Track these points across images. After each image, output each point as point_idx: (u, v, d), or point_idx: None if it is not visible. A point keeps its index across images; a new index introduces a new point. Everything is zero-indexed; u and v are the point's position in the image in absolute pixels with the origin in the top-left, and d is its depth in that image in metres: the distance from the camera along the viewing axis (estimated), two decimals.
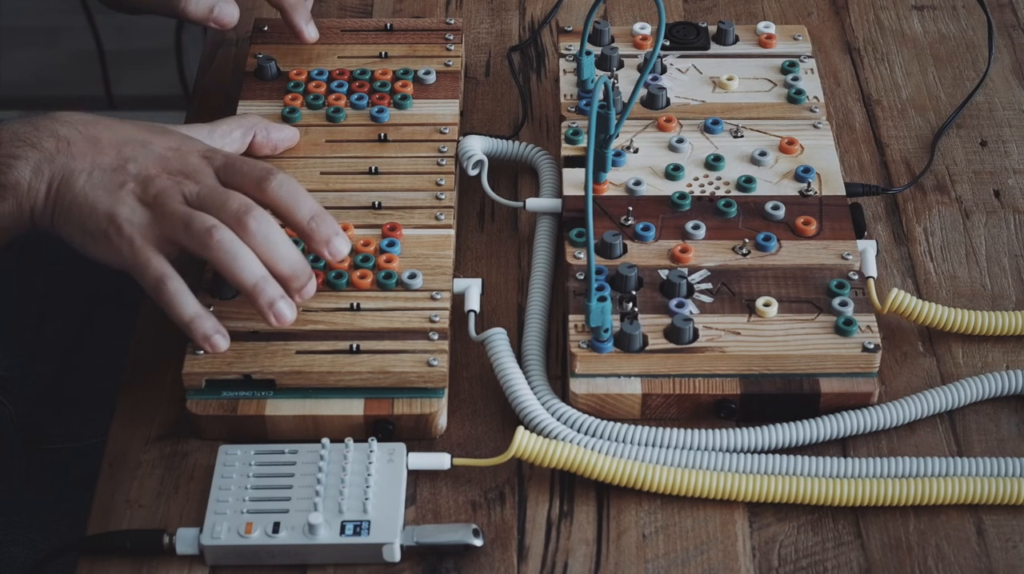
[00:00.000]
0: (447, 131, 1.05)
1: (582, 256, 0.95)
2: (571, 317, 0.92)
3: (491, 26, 1.23)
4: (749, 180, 1.00)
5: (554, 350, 0.95)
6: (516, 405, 0.89)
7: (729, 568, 0.83)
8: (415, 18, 1.20)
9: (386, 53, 1.11)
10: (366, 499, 0.83)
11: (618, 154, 1.02)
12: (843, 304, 0.92)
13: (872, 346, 0.90)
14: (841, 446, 0.89)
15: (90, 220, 0.87)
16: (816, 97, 1.07)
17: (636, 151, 1.03)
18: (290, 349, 0.89)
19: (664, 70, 1.09)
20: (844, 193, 1.00)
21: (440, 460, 0.87)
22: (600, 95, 0.93)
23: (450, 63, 1.10)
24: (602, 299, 0.90)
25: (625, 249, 0.96)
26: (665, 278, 0.94)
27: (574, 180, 1.01)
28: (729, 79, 1.08)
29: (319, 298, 0.92)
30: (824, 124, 1.05)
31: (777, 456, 0.87)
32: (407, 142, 1.04)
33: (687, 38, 1.12)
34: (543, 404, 0.89)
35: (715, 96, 1.07)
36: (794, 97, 1.06)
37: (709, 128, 1.04)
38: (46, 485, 1.12)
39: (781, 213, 0.98)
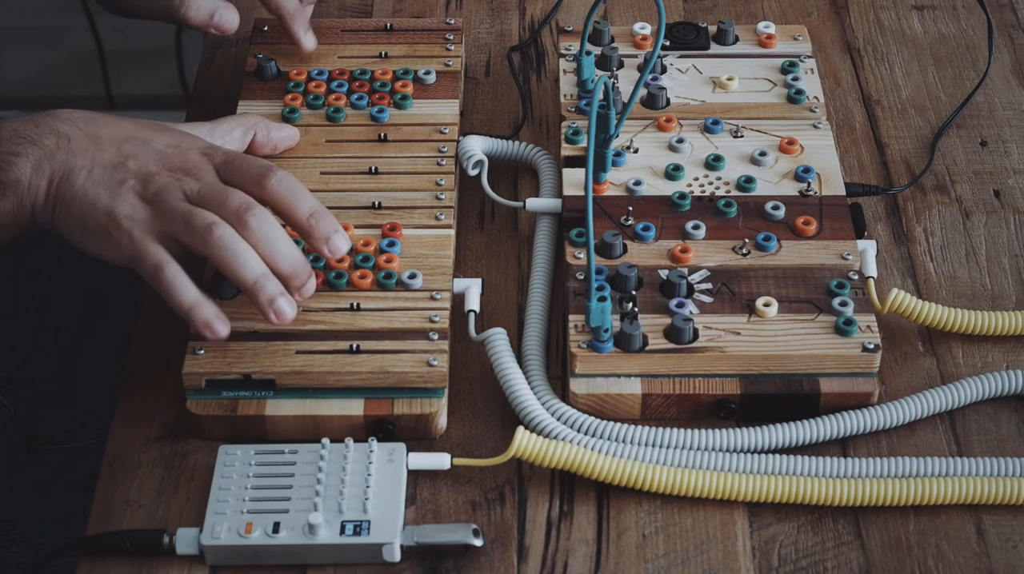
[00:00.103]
0: (447, 131, 1.05)
1: (582, 256, 0.95)
2: (571, 317, 0.92)
3: (491, 26, 1.23)
4: (749, 180, 1.00)
5: (554, 350, 0.95)
6: (516, 405, 0.89)
7: (729, 568, 0.83)
8: (415, 18, 1.20)
9: (386, 53, 1.11)
10: (366, 499, 0.83)
11: (618, 154, 1.02)
12: (843, 304, 0.92)
13: (872, 346, 0.90)
14: (841, 446, 0.89)
15: (90, 216, 0.87)
16: (816, 97, 1.07)
17: (636, 151, 1.03)
18: (290, 349, 0.89)
19: (664, 70, 1.09)
20: (844, 193, 1.00)
21: (440, 460, 0.87)
22: (600, 95, 0.93)
23: (450, 63, 1.10)
24: (602, 299, 0.90)
25: (625, 249, 0.96)
26: (665, 278, 0.94)
27: (574, 180, 1.01)
28: (729, 79, 1.08)
29: (319, 298, 0.92)
30: (824, 124, 1.05)
31: (777, 456, 0.87)
32: (407, 142, 1.04)
33: (687, 38, 1.12)
34: (543, 404, 0.89)
35: (715, 96, 1.07)
36: (794, 97, 1.06)
37: (709, 128, 1.04)
38: (46, 485, 1.12)
39: (781, 213, 0.98)
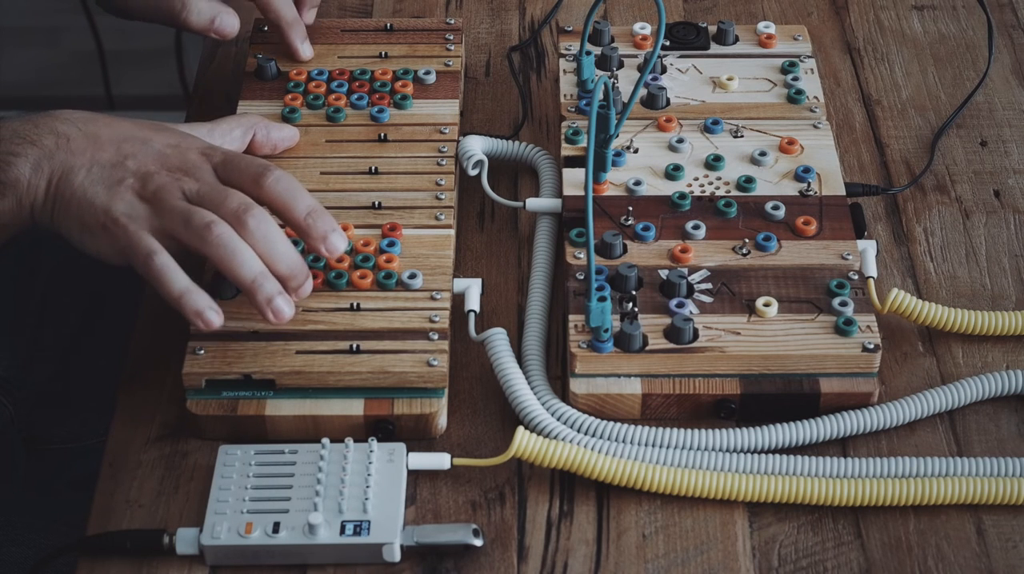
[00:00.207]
0: (447, 131, 1.05)
1: (582, 256, 0.95)
2: (571, 317, 0.92)
3: (491, 26, 1.23)
4: (749, 180, 1.00)
5: (554, 350, 0.95)
6: (516, 405, 0.89)
7: (729, 568, 0.83)
8: (415, 18, 1.20)
9: (386, 53, 1.11)
10: (366, 499, 0.83)
11: (618, 154, 1.02)
12: (843, 304, 0.92)
13: (872, 346, 0.90)
14: (841, 446, 0.89)
15: (89, 214, 0.87)
16: (816, 97, 1.07)
17: (636, 151, 1.03)
18: (290, 349, 0.89)
19: (664, 70, 1.09)
20: (844, 193, 1.00)
21: (440, 460, 0.87)
22: (600, 95, 0.93)
23: (450, 63, 1.10)
24: (602, 299, 0.90)
25: (625, 249, 0.96)
26: (665, 278, 0.93)
27: (574, 180, 1.01)
28: (729, 79, 1.08)
29: (319, 298, 0.92)
30: (824, 124, 1.05)
31: (777, 456, 0.87)
32: (407, 142, 1.04)
33: (687, 38, 1.12)
34: (543, 404, 0.89)
35: (715, 96, 1.07)
36: (794, 97, 1.06)
37: (709, 128, 1.04)
38: (46, 485, 1.12)
39: (781, 213, 0.98)
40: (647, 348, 0.90)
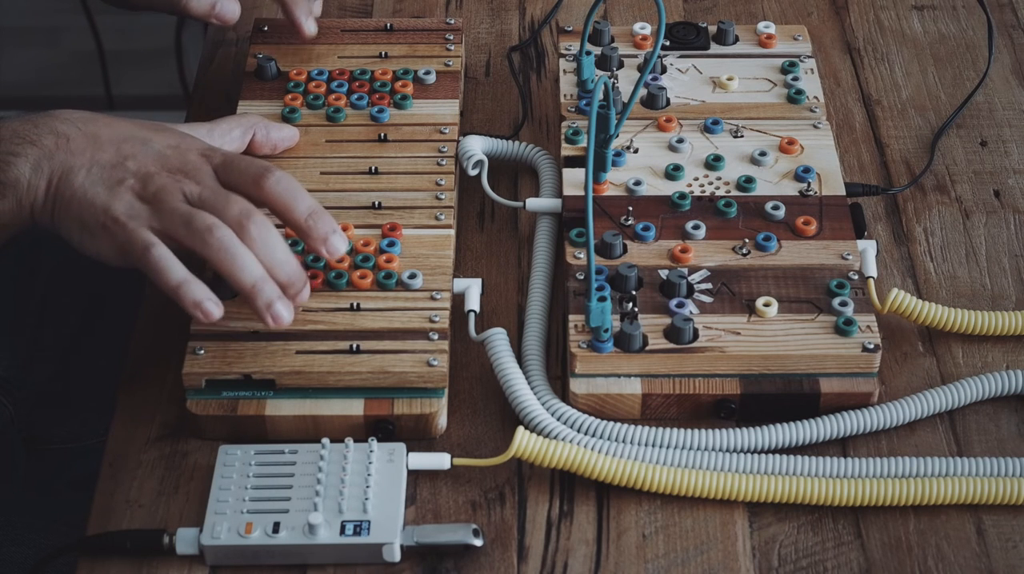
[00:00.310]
0: (447, 131, 1.05)
1: (582, 256, 0.95)
2: (571, 317, 0.92)
3: (491, 26, 1.23)
4: (749, 180, 1.00)
5: (554, 350, 0.95)
6: (516, 405, 0.89)
7: (729, 568, 0.83)
8: (415, 18, 1.20)
9: (386, 53, 1.11)
10: (366, 499, 0.83)
11: (618, 154, 1.02)
12: (843, 304, 0.92)
13: (872, 346, 0.90)
14: (841, 446, 0.89)
15: (89, 215, 0.87)
16: (816, 97, 1.07)
17: (636, 151, 1.03)
18: (290, 349, 0.89)
19: (664, 70, 1.09)
20: (844, 193, 1.00)
21: (440, 460, 0.87)
22: (600, 95, 0.93)
23: (450, 63, 1.10)
24: (602, 299, 0.90)
25: (625, 249, 0.96)
26: (665, 278, 0.94)
27: (574, 180, 1.01)
28: (729, 79, 1.08)
29: (319, 298, 0.92)
30: (824, 124, 1.05)
31: (777, 456, 0.87)
32: (407, 142, 1.04)
33: (687, 38, 1.12)
34: (543, 404, 0.89)
35: (715, 96, 1.07)
36: (794, 97, 1.06)
37: (709, 128, 1.04)
38: (46, 485, 1.12)
39: (781, 213, 0.98)
40: (647, 348, 0.90)
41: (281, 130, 1.02)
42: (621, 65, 1.10)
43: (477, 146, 1.05)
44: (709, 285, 0.94)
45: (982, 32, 1.21)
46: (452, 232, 0.98)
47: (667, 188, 1.00)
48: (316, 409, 0.89)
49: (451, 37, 1.12)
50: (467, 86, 1.15)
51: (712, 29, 1.12)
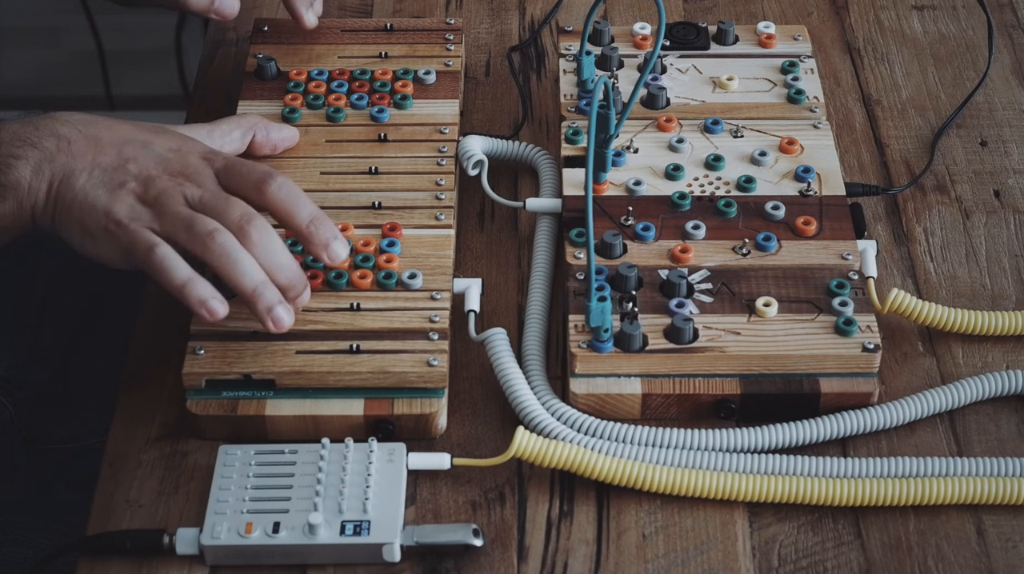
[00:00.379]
0: (447, 131, 1.05)
1: (582, 256, 0.95)
2: (571, 317, 0.92)
3: (491, 26, 1.23)
4: (749, 180, 1.00)
5: (554, 350, 0.95)
6: (516, 405, 0.89)
7: (729, 568, 0.83)
8: (415, 18, 1.20)
9: (386, 53, 1.11)
10: (366, 499, 0.83)
11: (618, 154, 1.02)
12: (843, 304, 0.92)
13: (872, 346, 0.90)
14: (841, 446, 0.89)
15: (90, 217, 0.87)
16: (816, 97, 1.07)
17: (636, 151, 1.03)
18: (290, 349, 0.89)
19: (664, 70, 1.09)
20: (844, 193, 1.00)
21: (440, 460, 0.87)
22: (600, 95, 0.93)
23: (450, 63, 1.10)
24: (602, 299, 0.90)
25: (625, 249, 0.96)
26: (665, 278, 0.94)
27: (574, 180, 1.01)
28: (729, 79, 1.08)
29: (319, 298, 0.92)
30: (824, 124, 1.05)
31: (777, 456, 0.87)
32: (407, 142, 1.04)
33: (687, 38, 1.12)
34: (543, 404, 0.89)
35: (715, 96, 1.07)
36: (794, 97, 1.06)
37: (709, 128, 1.04)
38: (46, 485, 1.12)
39: (781, 213, 0.98)
40: (647, 348, 0.90)
41: (281, 130, 1.02)
42: (621, 65, 1.10)
43: (477, 146, 1.05)
44: (709, 285, 0.94)
45: (982, 32, 1.21)
46: (452, 232, 0.98)
47: (667, 188, 1.00)
48: (316, 409, 0.89)
49: (451, 37, 1.12)
50: (467, 86, 1.15)
51: (712, 29, 1.12)
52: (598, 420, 0.89)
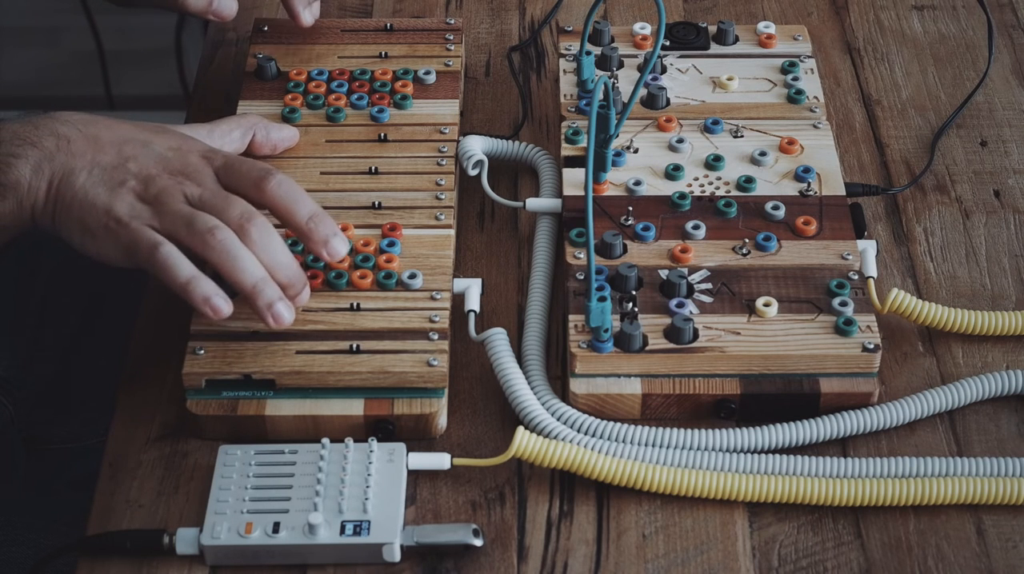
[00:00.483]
0: (447, 131, 1.05)
1: (582, 256, 0.95)
2: (571, 317, 0.92)
3: (491, 26, 1.23)
4: (749, 180, 1.00)
5: (554, 350, 0.95)
6: (516, 405, 0.89)
7: (729, 568, 0.83)
8: (415, 18, 1.20)
9: (386, 53, 1.11)
10: (366, 499, 0.83)
11: (618, 154, 1.02)
12: (843, 304, 0.92)
13: (872, 346, 0.90)
14: (841, 446, 0.89)
15: (90, 216, 0.87)
16: (816, 97, 1.07)
17: (636, 151, 1.03)
18: (290, 349, 0.89)
19: (664, 70, 1.09)
20: (844, 193, 1.00)
21: (440, 460, 0.87)
22: (600, 95, 0.93)
23: (450, 63, 1.10)
24: (602, 299, 0.90)
25: (625, 249, 0.96)
26: (665, 278, 0.94)
27: (574, 180, 1.01)
28: (729, 79, 1.08)
29: (319, 298, 0.92)
30: (824, 124, 1.05)
31: (777, 456, 0.87)
32: (407, 142, 1.04)
33: (687, 38, 1.12)
34: (543, 404, 0.89)
35: (715, 96, 1.07)
36: (794, 97, 1.06)
37: (709, 128, 1.04)
38: (46, 485, 1.12)
39: (781, 213, 0.98)
40: (647, 348, 0.90)
41: (281, 130, 1.02)
42: (621, 65, 1.10)
43: (477, 146, 1.05)
44: (709, 285, 0.94)
45: (982, 32, 1.21)
46: (452, 232, 0.98)
47: (667, 188, 1.00)
48: (316, 409, 0.89)
49: (451, 37, 1.12)
50: (467, 86, 1.15)
51: (712, 29, 1.12)
52: (598, 420, 0.89)
